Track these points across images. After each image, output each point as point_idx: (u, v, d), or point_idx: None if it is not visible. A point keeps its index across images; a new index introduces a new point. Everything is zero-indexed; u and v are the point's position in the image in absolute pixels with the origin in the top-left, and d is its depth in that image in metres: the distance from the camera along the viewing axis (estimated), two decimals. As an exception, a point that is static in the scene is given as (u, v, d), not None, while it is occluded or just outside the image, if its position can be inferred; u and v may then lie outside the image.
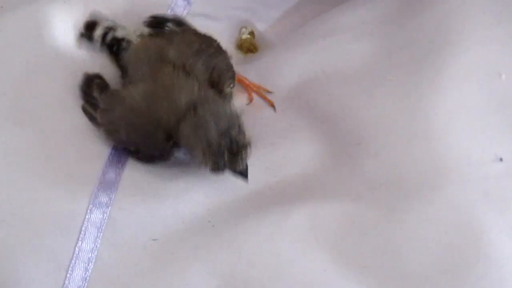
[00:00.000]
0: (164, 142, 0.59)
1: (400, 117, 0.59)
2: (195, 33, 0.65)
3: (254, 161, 0.60)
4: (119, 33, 0.66)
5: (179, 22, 0.67)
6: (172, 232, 0.57)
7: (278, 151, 0.62)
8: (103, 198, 0.58)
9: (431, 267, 0.53)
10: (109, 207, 0.58)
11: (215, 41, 0.64)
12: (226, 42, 0.71)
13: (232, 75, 0.62)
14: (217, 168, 0.57)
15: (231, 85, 0.62)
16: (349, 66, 0.64)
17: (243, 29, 0.73)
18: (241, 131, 0.57)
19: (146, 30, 0.66)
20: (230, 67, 0.63)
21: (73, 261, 0.56)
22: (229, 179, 0.59)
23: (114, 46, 0.66)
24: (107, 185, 0.59)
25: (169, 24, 0.66)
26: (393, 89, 0.61)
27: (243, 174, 0.57)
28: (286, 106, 0.65)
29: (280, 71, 0.67)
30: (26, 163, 0.60)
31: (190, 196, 0.59)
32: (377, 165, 0.58)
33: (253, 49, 0.72)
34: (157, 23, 0.67)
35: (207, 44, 0.63)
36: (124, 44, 0.65)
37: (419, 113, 0.58)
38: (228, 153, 0.56)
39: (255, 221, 0.57)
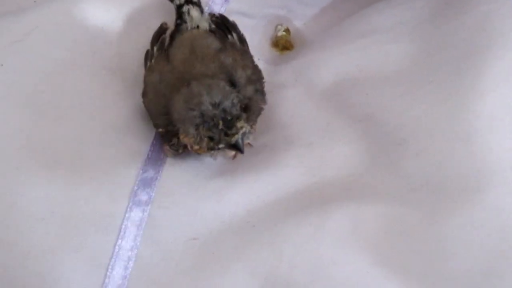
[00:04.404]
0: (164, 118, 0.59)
1: (441, 118, 0.58)
2: (252, 61, 0.64)
3: (292, 161, 0.61)
4: (194, 13, 0.66)
5: (241, 39, 0.66)
6: (212, 231, 0.57)
7: (316, 151, 0.61)
8: (143, 196, 0.58)
9: (474, 270, 0.52)
10: (149, 205, 0.58)
11: (263, 80, 0.64)
12: (262, 39, 0.71)
13: (255, 119, 0.61)
14: (212, 141, 0.56)
15: (252, 126, 0.60)
16: (387, 66, 0.64)
17: (279, 26, 0.73)
18: (235, 104, 0.56)
19: (205, 25, 0.66)
20: (258, 115, 0.62)
21: (113, 260, 0.56)
22: (267, 179, 0.59)
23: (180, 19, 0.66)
24: (146, 183, 0.59)
25: (234, 36, 0.65)
26: (433, 90, 0.60)
27: (238, 146, 0.57)
28: (323, 105, 0.64)
29: (316, 69, 0.66)
30: (64, 161, 0.60)
31: (229, 196, 0.59)
32: (418, 166, 0.57)
33: (289, 47, 0.72)
34: (223, 25, 0.66)
35: (258, 77, 0.63)
36: (188, 23, 0.66)
37: (460, 115, 0.58)
38: (222, 124, 0.55)
39: (295, 222, 0.56)
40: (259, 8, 0.73)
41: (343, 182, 0.59)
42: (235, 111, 0.56)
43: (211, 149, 0.57)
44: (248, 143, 0.62)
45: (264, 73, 0.65)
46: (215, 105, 0.55)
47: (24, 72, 0.63)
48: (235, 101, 0.56)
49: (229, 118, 0.56)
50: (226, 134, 0.56)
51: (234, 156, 0.62)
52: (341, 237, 0.55)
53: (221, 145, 0.57)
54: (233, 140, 0.56)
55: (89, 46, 0.66)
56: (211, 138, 0.56)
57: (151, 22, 0.67)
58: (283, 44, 0.72)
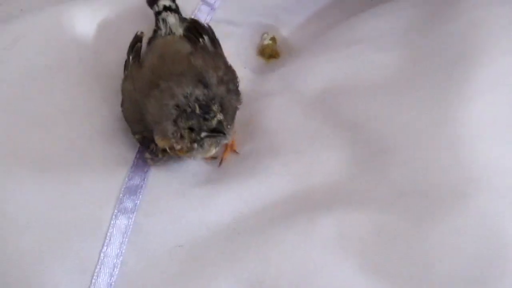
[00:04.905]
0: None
1: (427, 126, 0.58)
2: (225, 62, 0.64)
3: (279, 168, 0.60)
4: (170, 19, 0.67)
5: (214, 42, 0.66)
6: (197, 238, 0.57)
7: (303, 158, 0.61)
8: (128, 204, 0.58)
9: (459, 277, 0.52)
10: (134, 213, 0.58)
11: (237, 80, 0.64)
12: (248, 48, 0.71)
13: (231, 120, 0.61)
14: (193, 132, 0.56)
15: (228, 126, 0.60)
16: (374, 75, 0.64)
17: (265, 35, 0.73)
18: (205, 93, 0.56)
19: (180, 31, 0.66)
20: (234, 115, 0.62)
21: (98, 267, 0.55)
22: (254, 187, 0.59)
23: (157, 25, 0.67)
24: (132, 191, 0.59)
25: (206, 38, 0.65)
26: (419, 98, 0.60)
27: (220, 129, 0.56)
28: (310, 113, 0.64)
29: (303, 77, 0.67)
30: (51, 168, 0.59)
31: (215, 203, 0.59)
32: (404, 173, 0.57)
33: (275, 55, 0.72)
34: (194, 29, 0.66)
35: (230, 78, 0.63)
36: (163, 29, 0.66)
37: (446, 122, 0.58)
38: (199, 109, 0.55)
39: (282, 229, 0.56)
40: (245, 17, 0.73)
41: (330, 189, 0.59)
42: (208, 95, 0.56)
43: (193, 141, 0.57)
44: (234, 150, 0.62)
45: (251, 81, 0.66)
46: (187, 96, 0.56)
47: (12, 79, 0.63)
48: (206, 91, 0.56)
49: (204, 102, 0.56)
50: (205, 119, 0.56)
51: (220, 163, 0.62)
52: (328, 243, 0.55)
53: (203, 134, 0.57)
54: (214, 123, 0.56)
55: (75, 53, 0.66)
56: (191, 129, 0.56)
57: (137, 29, 0.67)
58: (269, 52, 0.72)
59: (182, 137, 0.57)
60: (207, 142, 0.58)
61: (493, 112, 0.58)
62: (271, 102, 0.66)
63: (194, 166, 0.61)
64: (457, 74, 0.60)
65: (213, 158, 0.62)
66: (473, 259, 0.52)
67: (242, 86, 0.64)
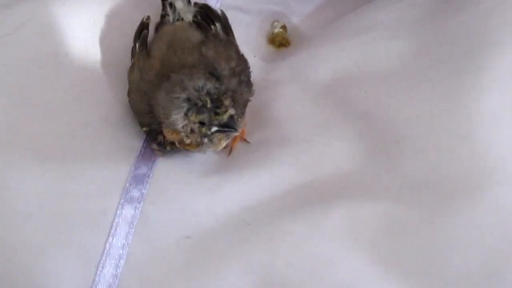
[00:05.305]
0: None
1: (441, 116, 0.57)
2: (237, 51, 0.63)
3: (289, 158, 0.59)
4: (178, 4, 0.65)
5: (226, 29, 0.65)
6: (205, 229, 0.56)
7: (313, 148, 0.60)
8: (135, 193, 0.57)
9: (474, 270, 0.51)
10: (141, 203, 0.57)
11: (249, 70, 0.63)
12: (258, 36, 0.70)
13: (242, 112, 0.60)
14: (203, 126, 0.55)
15: (239, 119, 0.59)
16: (386, 63, 0.63)
17: (275, 23, 0.72)
18: (218, 86, 0.55)
19: (189, 16, 0.65)
20: (245, 107, 0.61)
21: (103, 258, 0.54)
22: (263, 176, 0.58)
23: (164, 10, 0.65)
24: (138, 180, 0.58)
25: (218, 25, 0.64)
26: (433, 88, 0.59)
27: (231, 124, 0.56)
28: (321, 102, 0.63)
29: (314, 66, 0.65)
30: (55, 156, 0.58)
31: (223, 193, 0.57)
32: (417, 164, 0.56)
33: (285, 43, 0.71)
34: (206, 16, 0.65)
35: (242, 68, 0.61)
36: (171, 15, 0.65)
37: (461, 112, 0.57)
38: (210, 103, 0.54)
39: (292, 220, 0.55)
40: (255, 4, 0.72)
41: (341, 180, 0.58)
42: (219, 89, 0.55)
43: (203, 136, 0.56)
44: (244, 139, 0.61)
45: (261, 70, 0.64)
46: (198, 89, 0.54)
47: (15, 66, 0.62)
48: (217, 85, 0.55)
49: (215, 96, 0.54)
50: (216, 114, 0.55)
51: (229, 153, 0.61)
52: (338, 236, 0.54)
53: (213, 128, 0.56)
54: (225, 117, 0.55)
55: (81, 40, 0.64)
56: (201, 124, 0.55)
57: (145, 15, 0.66)
58: (280, 40, 0.71)
59: (192, 131, 0.56)
60: (216, 136, 0.57)
61: (509, 102, 0.56)
62: (281, 91, 0.65)
63: (202, 155, 0.60)
64: (472, 63, 0.59)
65: (223, 148, 0.61)
66: (489, 252, 0.51)
67: (252, 75, 0.62)
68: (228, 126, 0.56)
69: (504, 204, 0.52)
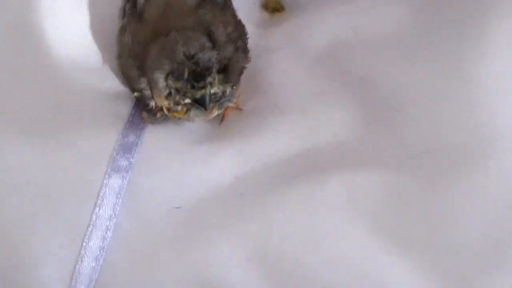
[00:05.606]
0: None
1: (441, 82, 0.56)
2: (234, 16, 0.61)
3: (283, 126, 0.57)
4: None
5: None
6: (196, 200, 0.53)
7: (309, 116, 0.58)
8: (123, 162, 0.55)
9: (479, 240, 0.50)
10: (129, 172, 0.54)
11: (247, 36, 0.60)
12: (251, 1, 0.68)
13: (237, 80, 0.58)
14: (178, 93, 0.53)
15: (234, 87, 0.57)
16: (385, 28, 0.61)
17: (269, -13, 0.70)
18: (212, 60, 0.53)
19: None
20: (240, 75, 0.58)
21: (89, 229, 0.52)
22: (257, 145, 0.55)
23: None
24: (126, 149, 0.55)
25: None
26: (433, 53, 0.57)
27: (203, 102, 0.53)
28: (317, 70, 0.61)
29: (309, 32, 0.63)
30: (40, 127, 0.55)
31: (216, 162, 0.55)
32: (418, 132, 0.55)
33: (279, 9, 0.69)
34: None
35: (240, 34, 0.59)
36: None
37: (462, 78, 0.55)
38: (188, 74, 0.52)
39: (287, 190, 0.53)
40: (248, -32, 0.69)
41: (338, 149, 0.56)
42: (208, 64, 0.53)
43: (176, 103, 0.54)
44: (238, 107, 0.59)
45: (254, 37, 0.62)
46: (188, 56, 0.52)
47: None
48: (213, 58, 0.53)
49: (198, 69, 0.52)
50: (192, 87, 0.53)
51: (221, 121, 0.59)
52: (336, 206, 0.52)
53: (186, 100, 0.54)
54: (199, 94, 0.53)
55: (66, 4, 0.61)
56: (177, 91, 0.53)
57: None
58: (274, 6, 0.69)
59: (170, 94, 0.54)
60: (193, 111, 0.55)
61: (511, 68, 0.54)
62: (275, 58, 0.63)
63: (193, 124, 0.58)
64: (474, 27, 0.57)
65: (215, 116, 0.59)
66: (494, 221, 0.50)
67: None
68: (199, 103, 0.54)
69: (507, 171, 0.51)
